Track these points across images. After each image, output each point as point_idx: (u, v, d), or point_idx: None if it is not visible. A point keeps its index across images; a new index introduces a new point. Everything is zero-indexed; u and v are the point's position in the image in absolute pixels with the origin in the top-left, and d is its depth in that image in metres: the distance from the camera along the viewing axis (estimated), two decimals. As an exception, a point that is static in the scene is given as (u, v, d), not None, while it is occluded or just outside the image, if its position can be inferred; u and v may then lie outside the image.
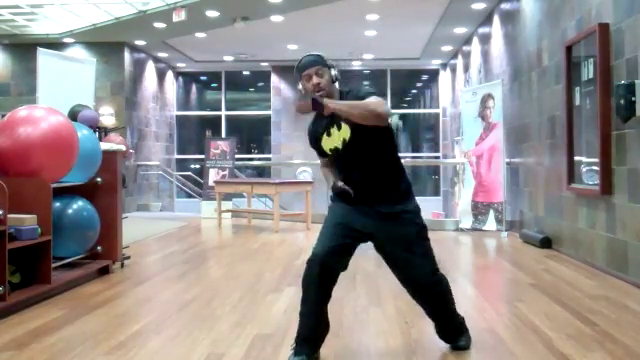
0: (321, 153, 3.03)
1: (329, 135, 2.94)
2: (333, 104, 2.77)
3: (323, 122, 2.95)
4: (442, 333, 3.18)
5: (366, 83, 17.74)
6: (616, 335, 3.40)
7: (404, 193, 2.99)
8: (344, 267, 2.93)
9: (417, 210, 3.01)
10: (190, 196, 14.90)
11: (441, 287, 3.06)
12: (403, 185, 3.00)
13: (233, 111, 16.75)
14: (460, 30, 11.45)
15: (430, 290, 3.03)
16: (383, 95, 2.98)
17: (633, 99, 4.62)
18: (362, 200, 2.92)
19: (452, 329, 3.17)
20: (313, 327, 2.94)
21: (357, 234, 2.93)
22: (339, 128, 2.91)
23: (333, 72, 2.92)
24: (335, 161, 3.01)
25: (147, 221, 10.68)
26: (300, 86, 2.94)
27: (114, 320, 3.88)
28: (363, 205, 2.93)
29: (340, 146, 2.92)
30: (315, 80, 2.87)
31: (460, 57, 13.07)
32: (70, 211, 4.96)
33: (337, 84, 2.98)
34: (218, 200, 10.18)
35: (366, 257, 6.68)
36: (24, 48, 12.12)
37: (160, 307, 4.26)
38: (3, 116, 4.84)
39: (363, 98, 2.81)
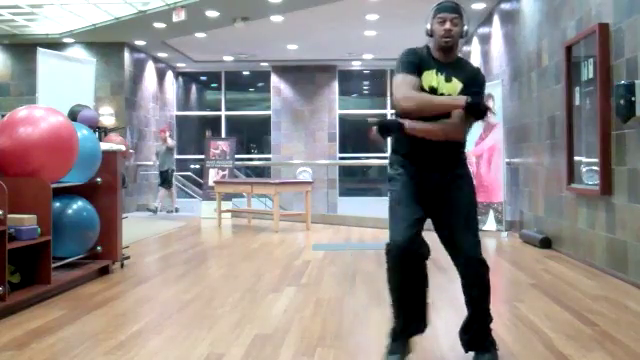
0: (414, 75, 2.78)
1: (447, 80, 2.80)
2: (420, 127, 2.72)
3: (433, 62, 2.82)
4: (472, 335, 2.90)
5: (366, 83, 17.76)
6: (616, 335, 3.40)
7: (465, 162, 2.94)
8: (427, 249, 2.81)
9: (472, 180, 2.98)
10: (190, 196, 14.89)
11: (487, 270, 2.86)
12: (462, 157, 2.93)
13: (233, 111, 16.75)
14: (460, 30, 11.44)
15: (480, 267, 2.83)
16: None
17: (633, 99, 4.62)
18: (431, 160, 2.81)
19: (485, 332, 2.90)
20: (406, 319, 2.87)
21: (424, 206, 2.80)
22: (448, 80, 2.79)
23: (465, 28, 2.82)
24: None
25: (147, 221, 10.67)
26: (428, 26, 2.83)
27: (114, 320, 3.88)
28: (430, 166, 2.81)
29: (443, 93, 2.78)
30: (448, 26, 2.76)
31: (460, 57, 13.05)
32: (70, 211, 4.95)
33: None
34: (218, 200, 10.18)
35: (366, 257, 6.67)
36: (24, 48, 12.12)
37: (160, 307, 4.26)
38: (3, 116, 4.84)
39: (480, 85, 2.84)
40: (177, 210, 12.92)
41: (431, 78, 2.78)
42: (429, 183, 2.82)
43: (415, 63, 2.79)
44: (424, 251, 2.80)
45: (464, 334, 2.95)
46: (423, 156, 2.81)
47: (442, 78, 2.79)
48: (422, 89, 2.77)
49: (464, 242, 2.82)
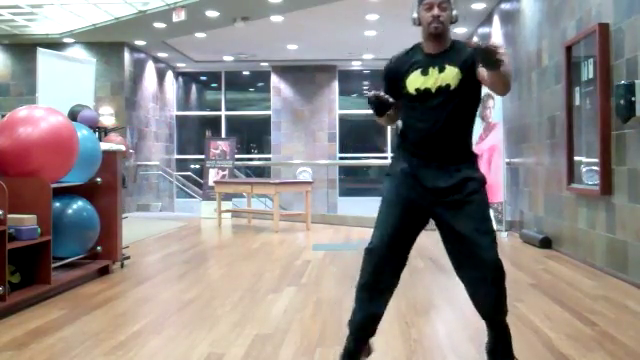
0: (395, 93, 2.63)
1: (425, 74, 2.59)
2: (506, 59, 2.41)
3: (419, 59, 2.64)
4: (497, 346, 2.68)
5: (366, 83, 17.76)
6: (616, 335, 3.40)
7: (473, 161, 2.70)
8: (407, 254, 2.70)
9: (484, 181, 2.67)
10: (190, 196, 14.90)
11: (504, 275, 2.68)
12: (472, 151, 2.72)
13: (233, 111, 16.75)
14: (460, 30, 11.44)
15: (498, 275, 2.64)
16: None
17: (633, 99, 4.62)
18: (432, 159, 2.61)
19: (508, 342, 2.69)
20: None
21: (420, 211, 2.64)
22: (441, 70, 2.58)
23: (454, 12, 2.63)
24: (410, 108, 2.65)
25: (147, 221, 10.68)
26: (414, 14, 2.66)
27: (114, 320, 3.88)
28: (431, 166, 2.61)
29: (433, 89, 2.58)
30: (436, 11, 2.57)
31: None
32: (70, 211, 4.95)
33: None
34: (218, 200, 10.18)
35: (366, 257, 6.59)
36: (24, 48, 12.12)
37: (160, 307, 4.26)
38: (3, 116, 4.84)
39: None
40: None
41: (415, 80, 2.60)
42: (432, 174, 2.60)
43: (389, 78, 2.71)
44: (400, 259, 2.71)
45: (491, 349, 2.71)
46: (422, 154, 2.62)
47: (435, 71, 2.58)
48: (408, 94, 2.62)
49: (485, 242, 2.66)
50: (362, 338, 2.73)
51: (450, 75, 2.58)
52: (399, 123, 2.81)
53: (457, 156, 2.64)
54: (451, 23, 2.65)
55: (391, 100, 2.57)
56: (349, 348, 2.73)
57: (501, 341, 2.68)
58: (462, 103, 2.61)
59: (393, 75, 2.70)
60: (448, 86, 2.58)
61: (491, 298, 2.61)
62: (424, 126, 2.61)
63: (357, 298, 2.72)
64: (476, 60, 2.46)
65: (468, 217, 2.58)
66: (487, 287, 2.61)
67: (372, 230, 2.68)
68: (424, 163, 2.63)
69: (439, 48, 2.64)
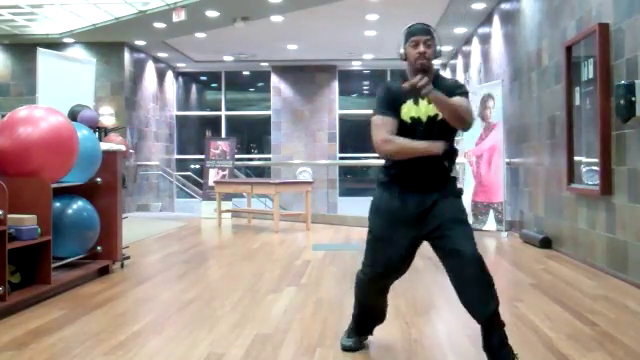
0: (391, 117, 2.84)
1: (416, 104, 2.85)
2: (437, 95, 2.68)
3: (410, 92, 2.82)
4: (491, 341, 2.79)
5: (366, 83, 17.76)
6: (616, 335, 3.40)
7: (453, 181, 3.01)
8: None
9: (460, 193, 3.04)
10: (190, 196, 14.90)
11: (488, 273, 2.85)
12: (450, 177, 2.99)
13: (233, 111, 16.75)
14: (460, 30, 11.45)
15: (481, 269, 2.79)
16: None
17: (633, 99, 4.62)
18: (421, 182, 2.87)
19: (502, 334, 2.82)
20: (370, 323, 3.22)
21: (410, 235, 2.90)
22: (429, 102, 2.81)
23: (437, 48, 2.92)
24: (401, 133, 2.85)
25: (147, 221, 10.68)
26: (402, 50, 2.88)
27: (114, 320, 3.88)
28: (420, 189, 2.87)
29: (424, 118, 2.84)
30: (422, 48, 2.83)
31: (460, 57, 13.07)
32: (70, 211, 4.96)
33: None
34: (218, 200, 10.18)
35: (366, 257, 6.59)
36: (24, 48, 12.13)
37: (160, 307, 4.26)
38: (3, 116, 4.84)
39: (462, 93, 2.86)
40: None
41: (409, 109, 2.85)
42: (416, 202, 2.87)
43: (390, 101, 2.86)
44: (391, 282, 3.08)
45: (486, 344, 2.81)
46: (412, 175, 2.87)
47: (425, 101, 2.81)
48: (403, 122, 2.84)
49: (469, 245, 2.86)
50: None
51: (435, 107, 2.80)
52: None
53: (440, 180, 2.91)
54: (435, 58, 2.90)
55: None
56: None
57: (495, 332, 2.82)
58: (446, 131, 2.85)
59: (392, 100, 2.87)
60: (436, 115, 2.82)
61: (477, 294, 2.82)
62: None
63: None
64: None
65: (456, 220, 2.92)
66: (471, 285, 2.81)
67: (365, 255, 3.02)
68: (410, 189, 2.88)
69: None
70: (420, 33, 2.86)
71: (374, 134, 2.85)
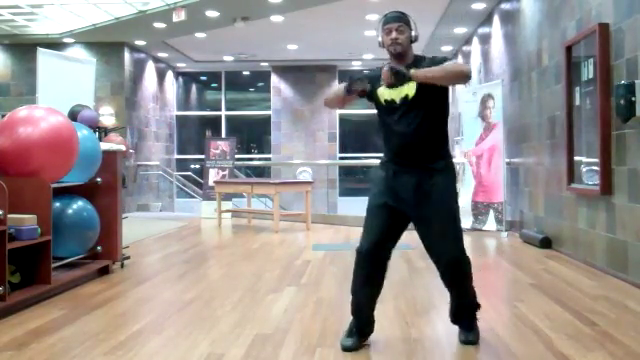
0: (366, 97, 3.11)
1: (389, 87, 3.01)
2: (422, 74, 2.90)
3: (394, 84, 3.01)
4: (457, 315, 3.29)
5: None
6: (616, 335, 3.40)
7: (446, 163, 3.10)
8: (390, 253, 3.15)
9: (454, 186, 3.13)
10: (190, 196, 14.90)
11: (469, 266, 3.16)
12: (445, 153, 3.11)
13: (233, 111, 16.75)
14: (460, 30, 11.45)
15: (460, 266, 3.11)
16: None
17: (633, 99, 4.62)
18: (405, 161, 3.04)
19: (470, 312, 3.27)
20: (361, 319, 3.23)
21: (400, 211, 3.07)
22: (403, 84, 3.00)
23: (413, 33, 3.07)
24: (383, 118, 3.11)
25: (147, 221, 10.68)
26: (380, 38, 3.09)
27: (114, 320, 3.88)
28: (406, 168, 3.04)
29: (398, 101, 3.03)
30: (394, 35, 3.02)
31: (460, 57, 13.06)
32: (70, 211, 4.96)
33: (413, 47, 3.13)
34: (218, 200, 10.18)
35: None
36: (24, 48, 12.12)
37: (160, 307, 4.26)
38: (3, 116, 4.84)
39: (441, 63, 2.97)
40: None
41: (384, 91, 3.06)
42: (408, 185, 3.02)
43: (355, 77, 3.05)
44: (386, 255, 3.14)
45: (452, 315, 3.32)
46: (400, 158, 3.05)
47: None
48: (379, 105, 3.10)
49: (444, 246, 3.06)
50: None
51: (410, 87, 2.99)
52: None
53: (429, 159, 3.04)
54: (411, 42, 3.08)
55: (367, 87, 3.00)
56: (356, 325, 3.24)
57: (463, 300, 3.21)
58: (425, 111, 3.01)
59: (371, 84, 3.06)
60: (407, 96, 3.00)
61: (455, 285, 3.19)
62: (397, 134, 3.05)
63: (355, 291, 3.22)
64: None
65: (437, 217, 3.05)
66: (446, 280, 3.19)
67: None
68: (401, 169, 3.05)
69: (402, 64, 3.02)
70: (392, 21, 3.05)
71: None
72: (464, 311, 3.27)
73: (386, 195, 3.07)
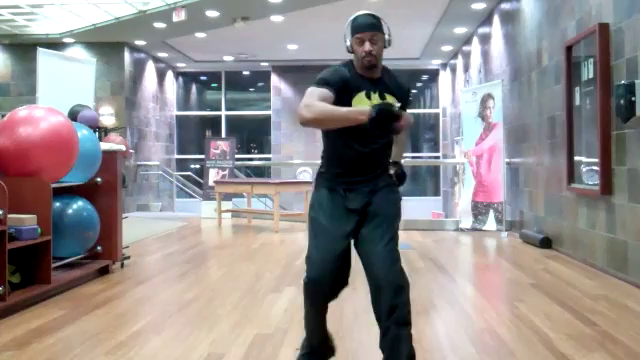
0: (330, 91, 2.55)
1: (368, 98, 2.63)
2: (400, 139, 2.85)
3: (359, 81, 2.65)
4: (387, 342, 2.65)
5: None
6: (616, 335, 3.40)
7: (386, 171, 2.80)
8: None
9: (399, 196, 2.80)
10: (190, 196, 14.90)
11: (406, 280, 2.70)
12: (387, 168, 2.80)
13: (233, 111, 16.75)
14: (460, 30, 11.45)
15: (398, 278, 2.64)
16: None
17: (633, 99, 4.62)
18: (356, 178, 2.69)
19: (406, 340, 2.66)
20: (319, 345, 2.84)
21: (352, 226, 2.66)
22: (382, 98, 2.65)
23: (387, 37, 2.68)
24: (350, 130, 2.56)
25: (147, 221, 10.68)
26: (348, 42, 2.68)
27: (114, 320, 3.88)
28: (355, 183, 2.69)
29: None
30: (367, 47, 2.59)
31: (460, 57, 13.07)
32: (70, 211, 4.96)
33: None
34: (218, 200, 10.18)
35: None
36: (24, 48, 12.12)
37: (160, 307, 4.26)
38: (3, 116, 4.84)
39: (406, 102, 2.73)
40: None
41: (360, 102, 2.61)
42: (355, 202, 2.67)
43: (332, 81, 2.58)
44: (341, 284, 2.71)
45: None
46: (352, 173, 2.69)
47: (376, 97, 2.64)
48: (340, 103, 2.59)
49: (379, 263, 2.60)
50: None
51: (392, 100, 2.63)
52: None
53: (381, 173, 2.74)
54: (385, 48, 2.68)
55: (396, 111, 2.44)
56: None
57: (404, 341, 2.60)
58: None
59: (342, 87, 2.59)
60: None
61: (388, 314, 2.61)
62: (360, 147, 2.65)
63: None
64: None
65: (375, 229, 2.63)
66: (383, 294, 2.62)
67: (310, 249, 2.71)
68: (349, 185, 2.69)
69: (373, 75, 2.68)
70: (365, 29, 2.64)
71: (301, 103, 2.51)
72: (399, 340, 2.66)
73: (332, 214, 2.67)
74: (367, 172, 2.72)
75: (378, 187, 2.72)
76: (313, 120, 2.47)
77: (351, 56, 2.71)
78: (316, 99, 2.48)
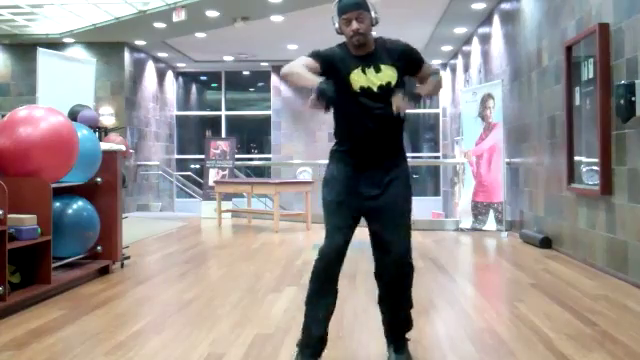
0: (317, 63, 2.74)
1: (364, 73, 2.72)
2: (426, 91, 2.83)
3: (354, 60, 2.76)
4: (392, 332, 2.95)
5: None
6: (616, 335, 3.40)
7: (403, 157, 2.90)
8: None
9: (410, 177, 2.92)
10: (190, 196, 14.90)
11: (412, 274, 2.85)
12: (402, 145, 2.91)
13: (233, 111, 16.75)
14: (460, 30, 11.45)
15: (404, 271, 2.81)
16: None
17: (633, 99, 4.62)
18: (369, 155, 2.79)
19: (407, 326, 2.94)
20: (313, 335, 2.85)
21: (359, 207, 2.81)
22: (378, 70, 2.73)
23: (373, 15, 2.76)
24: (353, 107, 2.74)
25: (147, 221, 10.68)
26: (336, 25, 2.79)
27: (114, 320, 3.88)
28: (369, 162, 2.79)
29: (375, 88, 2.72)
30: (355, 26, 2.69)
31: (460, 57, 13.07)
32: (70, 211, 4.96)
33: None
34: (218, 200, 10.18)
35: (366, 257, 6.66)
36: (24, 48, 12.12)
37: (160, 307, 4.26)
38: (3, 116, 4.84)
39: (420, 61, 2.84)
40: None
41: (359, 78, 2.73)
42: (366, 180, 2.79)
43: (322, 55, 2.77)
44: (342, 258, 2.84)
45: (387, 331, 2.98)
46: (364, 150, 2.79)
47: (372, 71, 2.74)
48: (352, 92, 2.73)
49: (393, 242, 2.77)
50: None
51: (388, 73, 2.75)
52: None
53: (393, 151, 2.84)
54: (372, 26, 2.77)
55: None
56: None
57: (401, 312, 2.88)
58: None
59: (333, 65, 2.75)
60: (389, 84, 2.74)
61: (395, 291, 2.85)
62: (368, 124, 2.75)
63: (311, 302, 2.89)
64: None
65: (389, 211, 2.79)
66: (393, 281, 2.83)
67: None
68: (362, 163, 2.80)
69: (365, 51, 2.78)
70: (350, 9, 2.72)
71: None
72: (400, 326, 2.93)
73: (342, 190, 2.81)
74: (378, 151, 2.80)
75: (392, 176, 2.80)
76: (284, 75, 2.72)
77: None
78: (300, 63, 2.71)
